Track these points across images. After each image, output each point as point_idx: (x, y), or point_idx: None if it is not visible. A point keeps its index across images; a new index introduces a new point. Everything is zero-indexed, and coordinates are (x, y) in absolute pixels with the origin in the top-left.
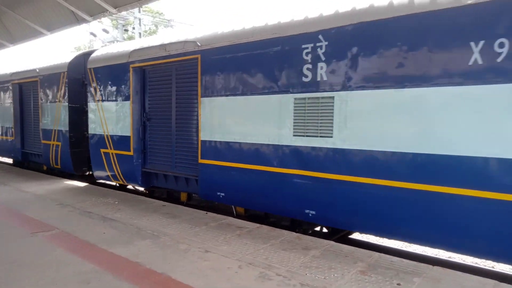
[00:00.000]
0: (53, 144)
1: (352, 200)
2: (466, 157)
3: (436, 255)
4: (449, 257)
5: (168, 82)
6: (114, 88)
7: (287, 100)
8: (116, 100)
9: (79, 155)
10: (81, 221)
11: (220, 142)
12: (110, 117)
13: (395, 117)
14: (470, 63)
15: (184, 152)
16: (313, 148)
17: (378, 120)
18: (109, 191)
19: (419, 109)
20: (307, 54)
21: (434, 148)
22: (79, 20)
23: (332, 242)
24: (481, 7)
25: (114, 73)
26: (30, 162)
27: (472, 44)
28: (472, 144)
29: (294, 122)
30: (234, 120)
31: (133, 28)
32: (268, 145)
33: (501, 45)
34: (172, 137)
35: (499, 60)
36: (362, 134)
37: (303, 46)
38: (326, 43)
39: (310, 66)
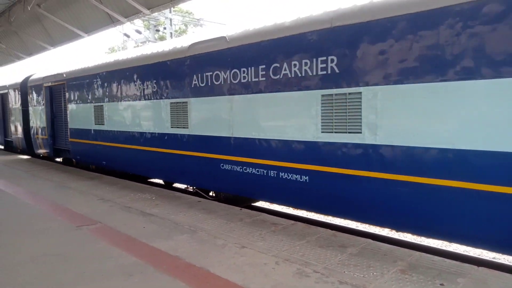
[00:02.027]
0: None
1: (110, 154)
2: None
3: (479, 255)
4: (494, 258)
5: (60, 95)
6: (38, 98)
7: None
8: (40, 106)
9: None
10: (122, 215)
11: (74, 128)
12: (38, 115)
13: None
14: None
15: (66, 135)
16: (87, 130)
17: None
18: (146, 187)
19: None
20: (95, 84)
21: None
22: (114, 22)
23: (369, 240)
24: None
25: (37, 89)
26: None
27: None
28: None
29: (95, 119)
30: (81, 116)
31: (164, 28)
32: (89, 129)
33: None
34: (63, 126)
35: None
36: (113, 123)
37: (94, 80)
38: (99, 79)
39: (96, 91)
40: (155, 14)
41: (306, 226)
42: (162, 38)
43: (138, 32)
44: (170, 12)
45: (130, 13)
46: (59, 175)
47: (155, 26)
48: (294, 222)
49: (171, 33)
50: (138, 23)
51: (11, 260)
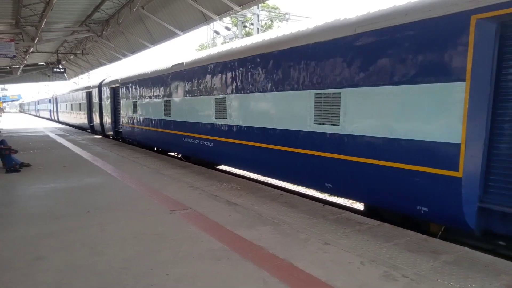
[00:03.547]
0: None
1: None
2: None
3: None
4: None
5: (118, 93)
6: (106, 96)
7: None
8: (107, 101)
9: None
10: (210, 203)
11: (123, 117)
12: (106, 108)
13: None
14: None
15: (120, 121)
16: (129, 117)
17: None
18: (232, 177)
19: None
20: (132, 87)
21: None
22: (207, 20)
23: (466, 249)
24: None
25: (106, 89)
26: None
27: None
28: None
29: (132, 110)
30: (126, 108)
31: (251, 24)
32: (130, 117)
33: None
34: (119, 115)
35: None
36: (140, 112)
37: (131, 85)
38: (134, 84)
39: (132, 92)
40: (244, 10)
41: (393, 228)
42: (248, 34)
43: (227, 28)
44: (258, 8)
45: (222, 11)
46: (155, 163)
47: (242, 22)
48: (380, 223)
49: (257, 28)
50: (226, 20)
51: (119, 235)
